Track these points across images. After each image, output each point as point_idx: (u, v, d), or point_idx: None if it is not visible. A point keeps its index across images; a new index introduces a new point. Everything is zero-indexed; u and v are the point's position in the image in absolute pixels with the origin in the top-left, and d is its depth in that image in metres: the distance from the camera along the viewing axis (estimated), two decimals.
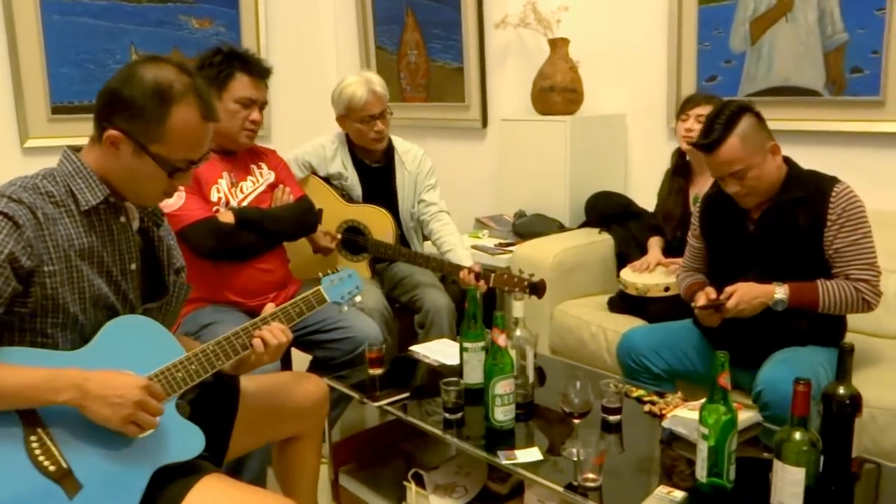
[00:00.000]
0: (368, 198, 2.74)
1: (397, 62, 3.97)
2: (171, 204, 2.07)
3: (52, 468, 1.25)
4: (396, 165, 2.79)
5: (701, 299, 2.00)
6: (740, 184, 1.94)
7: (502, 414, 1.74)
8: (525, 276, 2.30)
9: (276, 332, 1.54)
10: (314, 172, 2.77)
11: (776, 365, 1.90)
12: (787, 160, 2.02)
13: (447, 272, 2.53)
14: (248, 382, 1.66)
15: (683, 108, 2.60)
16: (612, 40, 3.31)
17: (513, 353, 1.81)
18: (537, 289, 2.30)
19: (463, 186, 3.78)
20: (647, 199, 2.94)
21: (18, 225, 1.25)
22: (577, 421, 1.68)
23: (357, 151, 2.76)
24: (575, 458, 1.54)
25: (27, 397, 1.23)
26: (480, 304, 1.94)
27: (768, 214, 1.99)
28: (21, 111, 3.31)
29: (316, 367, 2.41)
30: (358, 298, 1.78)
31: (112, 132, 1.34)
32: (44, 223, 1.29)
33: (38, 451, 1.25)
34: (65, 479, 1.25)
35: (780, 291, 1.91)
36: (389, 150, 2.79)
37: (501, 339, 1.71)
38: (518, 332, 1.87)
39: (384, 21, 3.98)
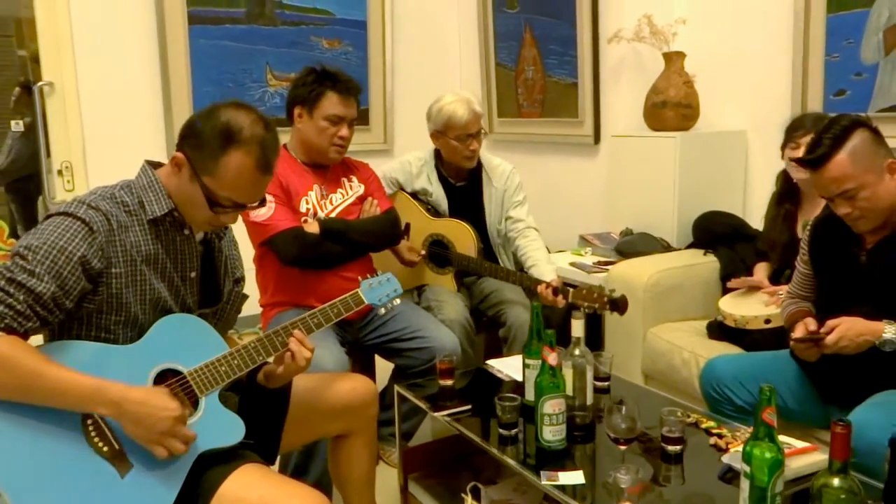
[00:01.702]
0: (454, 213, 2.78)
1: (515, 78, 3.99)
2: (260, 214, 2.22)
3: (105, 448, 1.39)
4: (484, 182, 2.80)
5: (799, 330, 1.85)
6: (851, 205, 1.77)
7: (551, 434, 1.70)
8: (605, 292, 2.24)
9: (304, 350, 1.62)
10: (402, 188, 2.84)
11: (871, 408, 1.72)
12: None
13: (526, 286, 2.52)
14: (298, 380, 1.74)
15: (791, 135, 2.41)
16: (732, 53, 3.15)
17: (569, 372, 1.77)
18: (618, 305, 2.23)
19: (573, 202, 3.73)
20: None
21: (93, 230, 1.41)
22: (622, 448, 1.61)
23: (444, 169, 2.80)
24: (615, 486, 1.48)
25: (71, 402, 1.35)
26: (542, 321, 1.91)
27: (883, 245, 1.81)
28: (169, 126, 3.66)
29: (397, 376, 2.48)
30: (397, 301, 1.86)
31: (178, 154, 1.49)
32: (116, 230, 1.44)
33: (93, 433, 1.39)
34: (117, 459, 1.39)
35: (889, 331, 1.72)
36: (476, 168, 2.81)
37: (552, 358, 1.68)
38: (577, 352, 1.82)
39: (503, 38, 4.02)
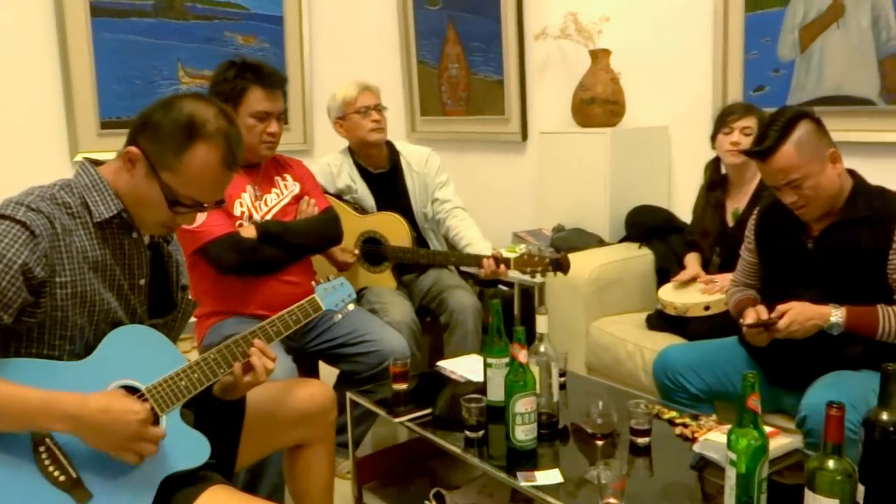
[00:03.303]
0: (381, 206, 2.74)
1: (438, 76, 3.95)
2: None
3: (62, 478, 1.24)
4: (403, 168, 2.79)
5: (750, 316, 1.89)
6: (797, 193, 1.83)
7: (523, 433, 1.67)
8: (546, 254, 2.24)
9: (266, 360, 1.53)
10: (325, 192, 2.75)
11: (823, 389, 1.78)
12: (852, 174, 1.90)
13: (466, 263, 2.52)
14: (253, 390, 1.64)
15: (724, 120, 2.50)
16: (655, 50, 3.23)
17: (536, 370, 1.74)
18: (560, 265, 2.25)
19: (502, 200, 3.72)
20: (690, 213, 2.83)
21: (35, 235, 1.25)
22: (600, 442, 1.60)
23: (361, 159, 2.77)
24: (596, 482, 1.46)
25: (20, 420, 1.20)
26: (501, 318, 1.87)
27: (829, 232, 1.87)
28: (72, 125, 3.41)
29: (343, 381, 2.39)
30: (351, 306, 1.82)
31: (131, 149, 1.35)
32: (60, 234, 1.30)
33: (47, 462, 1.25)
34: (75, 488, 1.25)
35: (836, 315, 1.79)
36: (394, 155, 2.80)
37: (522, 355, 1.65)
38: (542, 348, 1.80)
39: (426, 35, 3.98)
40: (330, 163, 2.79)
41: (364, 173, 2.76)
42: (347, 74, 4.17)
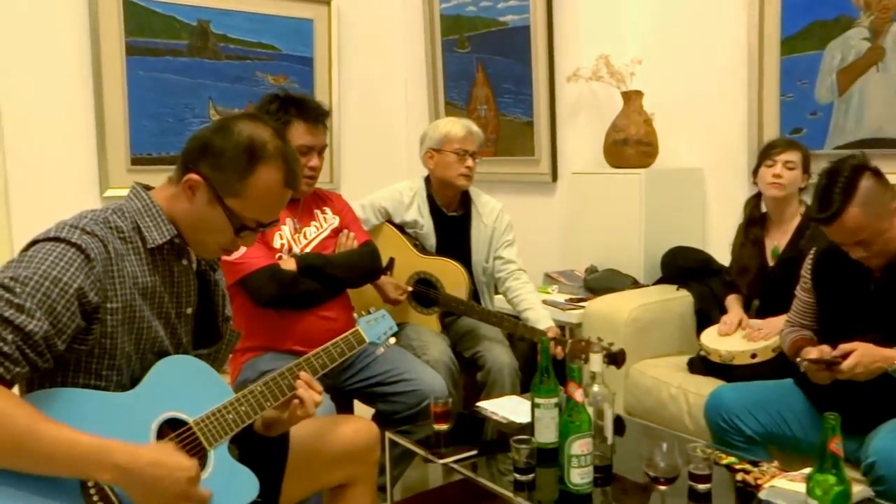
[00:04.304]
0: (442, 248, 2.67)
1: (466, 117, 3.94)
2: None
3: None
4: (473, 217, 2.72)
5: (813, 353, 1.83)
6: (867, 250, 1.78)
7: (579, 476, 1.60)
8: (604, 345, 2.18)
9: (313, 393, 1.49)
10: (389, 220, 2.72)
11: (891, 434, 1.71)
12: None
13: (520, 335, 2.43)
14: (296, 426, 1.58)
15: (768, 153, 2.47)
16: (689, 92, 3.23)
17: (589, 410, 1.68)
18: (616, 359, 2.20)
19: (532, 240, 3.67)
20: (726, 255, 2.77)
21: (90, 259, 1.22)
22: (662, 487, 1.53)
23: (436, 198, 2.71)
24: None
25: (67, 468, 1.14)
26: (550, 357, 1.82)
27: (891, 272, 1.82)
28: (103, 161, 3.41)
29: (379, 422, 2.31)
30: (392, 340, 1.80)
31: (193, 176, 1.32)
32: (113, 258, 1.26)
33: (95, 498, 1.18)
34: None
35: None
36: (467, 201, 2.74)
37: (578, 394, 1.59)
38: (595, 388, 1.74)
39: (454, 77, 4.00)
40: (402, 191, 2.71)
41: (434, 212, 2.70)
42: (376, 114, 4.22)
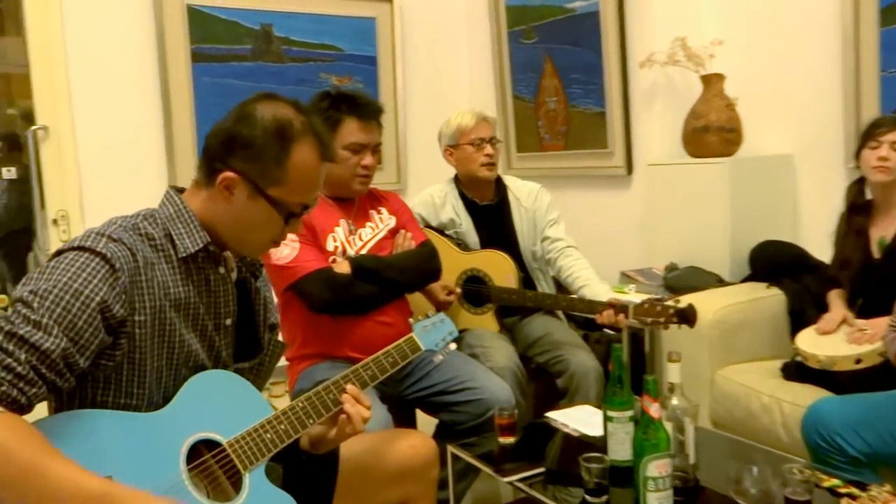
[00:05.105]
0: (486, 243, 2.56)
1: (535, 110, 3.80)
2: (283, 256, 1.97)
3: None
4: (511, 203, 2.61)
5: None
6: None
7: (657, 501, 1.43)
8: (671, 304, 2.00)
9: (361, 408, 1.38)
10: (427, 226, 2.62)
11: None
12: None
13: (579, 310, 2.28)
14: (347, 442, 1.47)
15: (872, 133, 2.22)
16: (775, 73, 2.98)
17: (668, 426, 1.51)
18: (686, 317, 2.01)
19: (606, 237, 3.49)
20: (822, 249, 2.52)
21: (115, 269, 1.14)
22: None
23: (467, 191, 2.61)
24: None
25: None
26: (628, 367, 1.65)
27: None
28: (171, 167, 3.44)
29: (442, 432, 2.19)
30: (452, 346, 1.66)
31: (228, 174, 1.23)
32: (142, 267, 1.18)
33: None
34: None
35: None
36: (501, 188, 2.63)
37: (654, 409, 1.43)
38: (674, 401, 1.56)
39: (521, 69, 3.85)
40: (433, 194, 2.64)
41: (469, 206, 2.60)
42: (441, 112, 4.07)
